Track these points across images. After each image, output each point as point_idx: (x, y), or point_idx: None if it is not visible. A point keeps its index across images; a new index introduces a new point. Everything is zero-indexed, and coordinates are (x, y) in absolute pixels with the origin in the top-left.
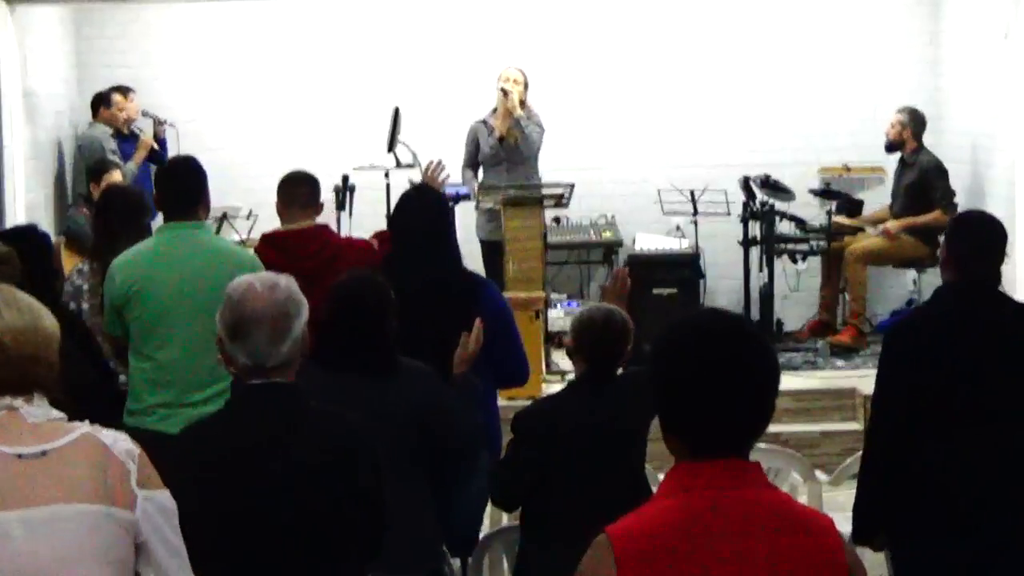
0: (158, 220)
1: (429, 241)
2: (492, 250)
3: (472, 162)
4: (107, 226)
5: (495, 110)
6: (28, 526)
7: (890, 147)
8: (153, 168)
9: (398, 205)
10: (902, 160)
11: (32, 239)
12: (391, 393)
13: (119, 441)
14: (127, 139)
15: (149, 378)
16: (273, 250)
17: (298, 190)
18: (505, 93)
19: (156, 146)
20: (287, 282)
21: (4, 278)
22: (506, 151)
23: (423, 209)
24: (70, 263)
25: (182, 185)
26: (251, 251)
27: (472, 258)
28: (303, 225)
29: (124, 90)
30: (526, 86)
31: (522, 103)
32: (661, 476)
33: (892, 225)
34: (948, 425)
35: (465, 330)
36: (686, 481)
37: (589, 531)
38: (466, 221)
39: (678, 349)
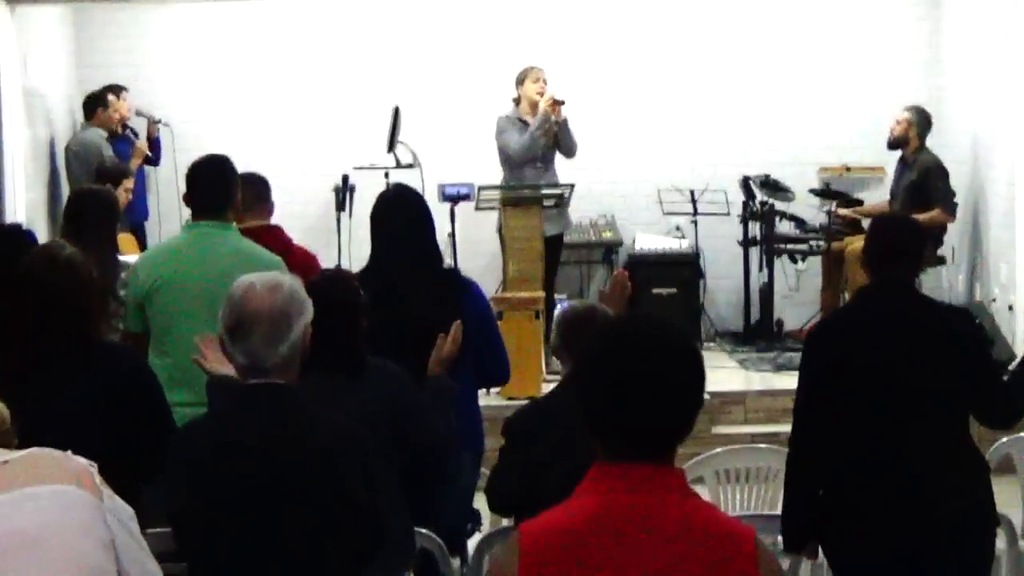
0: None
1: (411, 240)
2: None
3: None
4: (73, 227)
5: (517, 104)
6: (2, 508)
7: (893, 144)
8: (147, 170)
9: (377, 205)
10: (903, 159)
11: (18, 239)
12: (360, 393)
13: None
14: (120, 140)
15: (169, 376)
16: None
17: (243, 192)
18: (558, 103)
19: (150, 154)
20: (290, 283)
21: (68, 281)
22: (543, 149)
23: (403, 208)
24: None
25: (212, 185)
26: (277, 256)
27: (477, 256)
28: (250, 224)
29: (117, 89)
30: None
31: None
32: None
33: None
34: (867, 425)
35: (447, 327)
36: (600, 483)
37: None
38: (466, 220)
39: (593, 356)
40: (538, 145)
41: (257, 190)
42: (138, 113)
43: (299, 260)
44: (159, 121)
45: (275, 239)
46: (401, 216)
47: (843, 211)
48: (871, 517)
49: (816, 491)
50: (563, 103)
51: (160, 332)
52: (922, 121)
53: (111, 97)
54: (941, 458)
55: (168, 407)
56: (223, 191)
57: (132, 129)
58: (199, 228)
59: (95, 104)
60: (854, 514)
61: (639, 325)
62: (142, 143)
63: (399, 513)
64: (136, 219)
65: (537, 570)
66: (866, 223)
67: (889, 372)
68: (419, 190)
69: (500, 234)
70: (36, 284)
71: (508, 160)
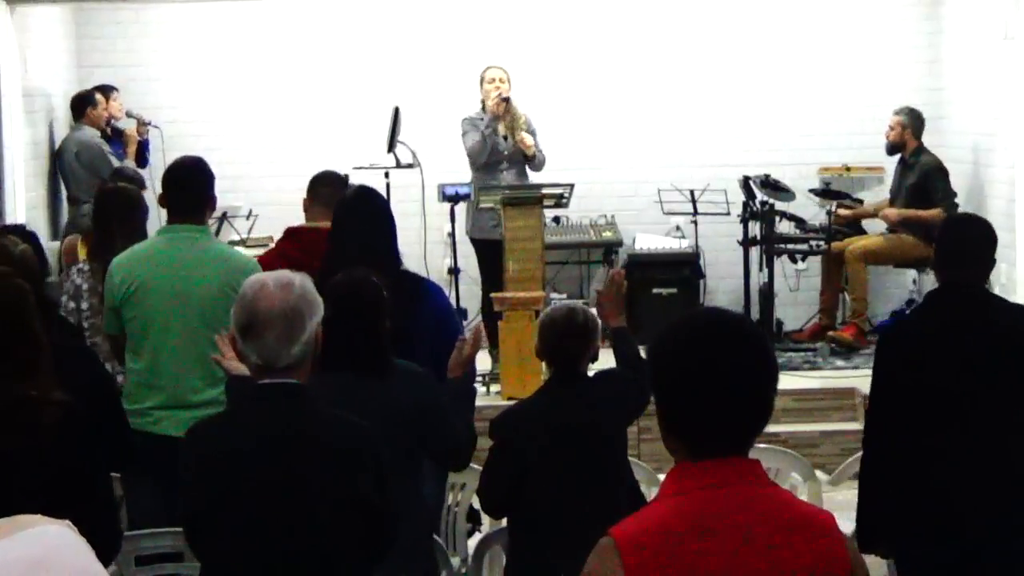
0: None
1: (368, 242)
2: (490, 249)
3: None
4: (103, 225)
5: (483, 107)
6: (4, 544)
7: (891, 149)
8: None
9: (340, 205)
10: (903, 160)
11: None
12: (385, 393)
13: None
14: (111, 139)
15: (144, 379)
16: (290, 242)
17: (319, 189)
18: (504, 101)
19: (139, 137)
20: (302, 281)
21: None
22: (508, 150)
23: (362, 210)
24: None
25: (187, 187)
26: (252, 257)
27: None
28: (321, 225)
29: (107, 90)
30: (509, 83)
31: (507, 100)
32: (662, 476)
33: (892, 212)
34: (936, 427)
35: (405, 329)
36: (686, 481)
37: (572, 528)
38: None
39: (672, 349)
40: (487, 145)
41: (335, 190)
42: (128, 114)
43: None
44: (149, 123)
45: None
46: (360, 218)
47: (843, 211)
48: (938, 516)
49: (889, 489)
50: (507, 99)
51: (135, 335)
52: (914, 121)
53: (99, 96)
54: (1015, 462)
55: (121, 405)
56: (199, 193)
57: (116, 128)
58: (174, 231)
59: (84, 104)
60: (923, 512)
61: (712, 316)
62: (131, 130)
63: (420, 514)
64: None
65: (642, 574)
66: (866, 223)
67: (962, 376)
68: (419, 190)
69: (468, 234)
70: None
71: (471, 162)
